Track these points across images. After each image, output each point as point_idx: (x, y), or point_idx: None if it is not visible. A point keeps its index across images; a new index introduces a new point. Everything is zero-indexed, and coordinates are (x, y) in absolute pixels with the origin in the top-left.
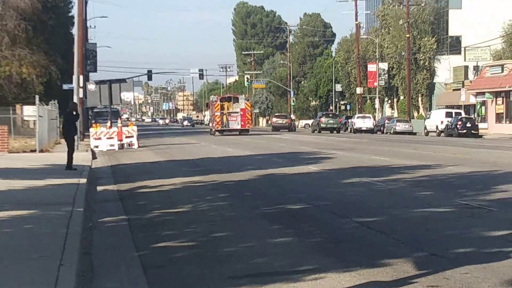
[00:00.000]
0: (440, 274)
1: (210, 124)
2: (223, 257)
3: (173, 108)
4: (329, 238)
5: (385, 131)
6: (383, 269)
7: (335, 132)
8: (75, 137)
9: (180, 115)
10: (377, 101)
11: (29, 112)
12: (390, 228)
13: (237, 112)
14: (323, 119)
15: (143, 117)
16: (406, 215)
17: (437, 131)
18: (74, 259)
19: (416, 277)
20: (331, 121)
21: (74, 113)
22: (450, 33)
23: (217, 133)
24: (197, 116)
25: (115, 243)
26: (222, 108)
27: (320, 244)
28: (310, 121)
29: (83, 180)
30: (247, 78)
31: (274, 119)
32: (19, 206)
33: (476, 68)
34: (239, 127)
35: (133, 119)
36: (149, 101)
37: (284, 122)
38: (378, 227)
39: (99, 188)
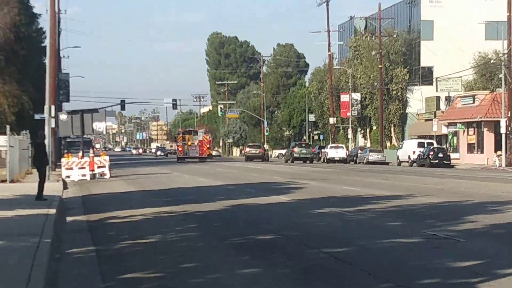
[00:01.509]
0: None
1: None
2: None
3: (147, 137)
4: (297, 269)
5: (358, 161)
6: None
7: (308, 162)
8: (47, 167)
9: (154, 145)
10: (350, 131)
11: (1, 142)
12: (357, 258)
13: (196, 144)
14: (296, 149)
15: (109, 146)
16: (374, 245)
17: (410, 161)
18: None
19: None
20: (304, 151)
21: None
22: (422, 64)
23: (179, 159)
24: (171, 146)
25: (81, 274)
26: (184, 139)
27: (288, 275)
28: (283, 151)
29: (53, 211)
30: (220, 108)
31: (247, 149)
32: None
33: (448, 99)
34: (197, 155)
35: (104, 149)
36: (123, 130)
37: (257, 152)
38: (345, 257)
39: (69, 218)
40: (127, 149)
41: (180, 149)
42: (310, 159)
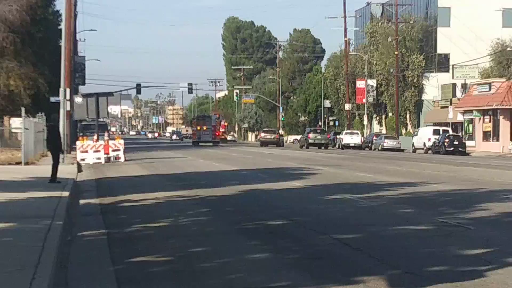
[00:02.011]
0: None
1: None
2: (198, 273)
3: (163, 121)
4: (306, 255)
5: (373, 148)
6: (356, 286)
7: (323, 148)
8: (61, 150)
9: (169, 129)
10: (365, 118)
11: (16, 124)
12: (367, 245)
13: (209, 128)
14: (311, 135)
15: (124, 130)
16: (385, 232)
17: (425, 148)
18: (47, 273)
19: None
20: (319, 137)
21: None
22: (439, 51)
23: (194, 143)
24: (187, 130)
25: (92, 257)
26: (198, 124)
27: (296, 260)
28: (298, 137)
29: (66, 193)
30: (236, 93)
31: (262, 134)
32: None
33: (464, 86)
34: (210, 139)
35: (120, 132)
36: (139, 114)
37: (272, 137)
38: (355, 244)
39: (82, 201)
40: (142, 132)
41: (194, 133)
42: (325, 145)
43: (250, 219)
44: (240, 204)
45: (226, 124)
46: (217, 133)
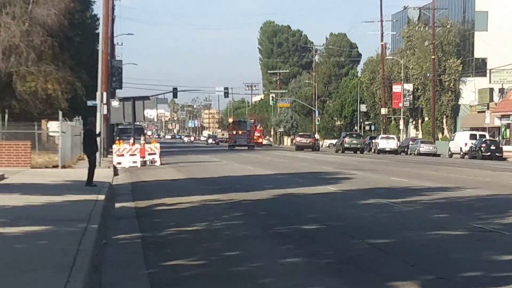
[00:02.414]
0: None
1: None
2: (231, 277)
3: (199, 125)
4: (339, 259)
5: (409, 152)
6: None
7: (358, 152)
8: (97, 154)
9: (205, 133)
10: (401, 122)
11: (54, 128)
12: (400, 250)
13: (245, 132)
14: (347, 139)
15: (161, 134)
16: (419, 237)
17: (461, 153)
18: (81, 276)
19: None
20: (354, 141)
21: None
22: (476, 55)
23: (230, 147)
24: (223, 134)
25: (126, 260)
26: (234, 128)
27: (329, 265)
28: (334, 141)
29: (102, 197)
30: (272, 97)
31: (298, 139)
32: (35, 222)
33: (501, 91)
34: (246, 143)
35: (157, 136)
36: (175, 118)
37: (307, 141)
38: (388, 249)
39: (117, 205)
40: (177, 136)
41: (230, 137)
42: (360, 149)
43: (283, 224)
44: (274, 208)
45: (261, 128)
46: (252, 137)
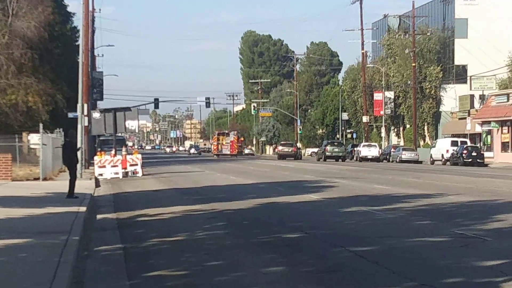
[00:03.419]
0: None
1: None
2: (214, 286)
3: (181, 136)
4: (322, 268)
5: (391, 160)
6: None
7: (340, 160)
8: (78, 165)
9: (187, 143)
10: (383, 130)
11: (35, 140)
12: (383, 257)
13: (228, 143)
14: (329, 148)
15: (143, 144)
16: (401, 244)
17: (443, 159)
18: None
19: None
20: (336, 150)
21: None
22: (456, 62)
23: (215, 156)
24: (205, 144)
25: (108, 272)
26: (218, 139)
27: (312, 273)
28: (316, 149)
29: (83, 209)
30: (254, 106)
31: (280, 147)
32: (16, 234)
33: (482, 97)
34: (228, 152)
35: (139, 147)
36: (157, 129)
37: (290, 150)
38: (371, 256)
39: (99, 216)
40: (156, 147)
41: (215, 147)
42: (342, 157)
43: (266, 232)
44: (256, 218)
45: (242, 139)
46: (234, 147)
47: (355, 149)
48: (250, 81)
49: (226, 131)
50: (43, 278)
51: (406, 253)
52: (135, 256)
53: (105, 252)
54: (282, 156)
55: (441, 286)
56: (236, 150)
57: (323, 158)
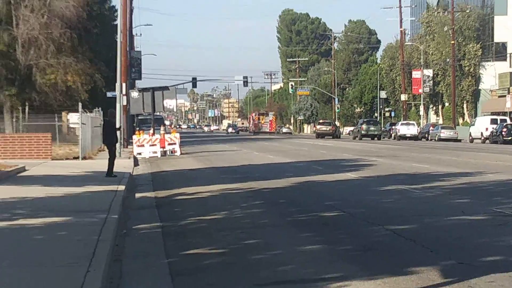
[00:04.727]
0: (465, 282)
1: (251, 128)
2: (251, 265)
3: (219, 115)
4: (358, 246)
5: (429, 138)
6: (408, 277)
7: (376, 139)
8: (117, 144)
9: (225, 122)
10: (421, 108)
11: (74, 119)
12: (420, 236)
13: (267, 122)
14: (364, 126)
15: (180, 123)
16: (439, 223)
17: (482, 138)
18: (101, 266)
19: (441, 285)
20: (372, 128)
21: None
22: (496, 40)
23: (255, 133)
24: (242, 123)
25: (146, 250)
26: (258, 119)
27: (349, 252)
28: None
29: (122, 187)
30: (291, 85)
31: (318, 126)
32: (55, 213)
33: None
34: (268, 130)
35: (177, 126)
36: (195, 108)
37: (328, 129)
38: (408, 235)
39: (137, 195)
40: (191, 126)
41: (256, 125)
42: (378, 136)
43: (303, 211)
44: (293, 196)
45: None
46: (273, 126)
47: (393, 127)
48: (287, 59)
49: (265, 111)
50: (82, 256)
51: (444, 232)
52: (173, 235)
53: (143, 230)
54: (320, 135)
55: (479, 264)
56: (275, 129)
57: (358, 136)
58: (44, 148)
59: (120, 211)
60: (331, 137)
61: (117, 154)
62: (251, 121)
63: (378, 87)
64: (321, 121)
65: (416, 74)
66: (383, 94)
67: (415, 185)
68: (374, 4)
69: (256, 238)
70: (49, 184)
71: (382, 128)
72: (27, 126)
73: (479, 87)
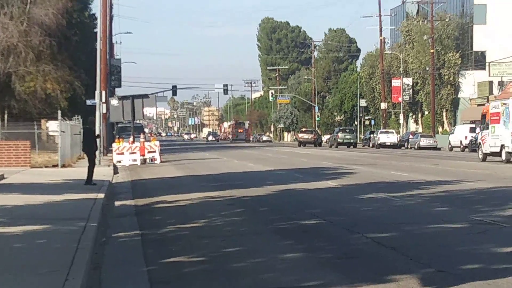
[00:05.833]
0: None
1: (230, 137)
2: (231, 273)
3: (199, 123)
4: (339, 254)
5: (409, 146)
6: (388, 285)
7: (351, 147)
8: (96, 152)
9: (205, 130)
10: (401, 116)
11: (53, 127)
12: (401, 244)
13: (242, 130)
14: (340, 134)
15: (160, 131)
16: (419, 231)
17: (462, 146)
18: (80, 274)
19: None
20: (347, 136)
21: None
22: (475, 48)
23: (233, 141)
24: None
25: (125, 258)
26: (235, 128)
27: (329, 259)
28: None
29: (101, 195)
30: (272, 93)
31: (300, 134)
32: (34, 221)
33: (500, 83)
34: (244, 138)
35: (157, 134)
36: (175, 116)
37: (310, 137)
38: (389, 243)
39: (117, 203)
40: (168, 134)
41: (233, 134)
42: (353, 144)
43: (284, 219)
44: (274, 204)
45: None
46: (248, 134)
47: (373, 135)
48: (268, 68)
49: (242, 121)
50: (61, 264)
51: (424, 240)
52: (153, 242)
53: (123, 238)
54: (302, 143)
55: (459, 272)
56: (249, 136)
57: (335, 144)
58: (23, 156)
59: (99, 219)
60: (313, 145)
61: (96, 162)
62: (222, 129)
63: (358, 96)
64: (303, 129)
65: (395, 82)
66: (363, 103)
67: (395, 193)
68: (354, 13)
69: (237, 246)
70: (28, 192)
71: (362, 136)
72: (6, 134)
73: (459, 96)
